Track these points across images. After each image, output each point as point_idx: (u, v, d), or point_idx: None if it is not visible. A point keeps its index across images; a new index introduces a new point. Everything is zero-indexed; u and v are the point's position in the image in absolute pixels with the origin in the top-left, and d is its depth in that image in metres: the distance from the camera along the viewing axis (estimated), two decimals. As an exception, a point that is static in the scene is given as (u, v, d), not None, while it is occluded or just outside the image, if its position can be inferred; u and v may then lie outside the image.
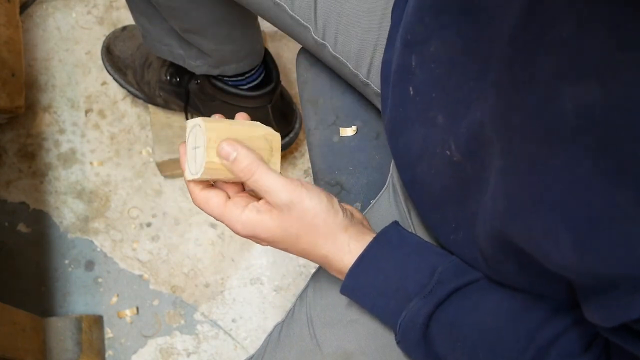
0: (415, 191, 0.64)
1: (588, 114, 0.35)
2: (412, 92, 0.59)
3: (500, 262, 0.52)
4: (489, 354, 0.54)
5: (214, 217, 0.60)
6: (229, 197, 0.60)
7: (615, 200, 0.35)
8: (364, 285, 0.60)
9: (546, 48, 0.38)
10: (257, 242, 0.60)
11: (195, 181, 0.59)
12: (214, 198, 0.58)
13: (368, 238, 0.61)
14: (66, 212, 1.31)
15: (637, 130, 0.33)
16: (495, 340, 0.54)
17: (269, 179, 0.56)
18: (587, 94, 0.35)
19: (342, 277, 0.61)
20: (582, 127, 0.36)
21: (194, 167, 0.58)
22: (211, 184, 0.61)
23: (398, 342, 0.61)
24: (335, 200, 0.60)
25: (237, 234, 0.59)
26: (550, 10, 0.37)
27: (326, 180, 0.81)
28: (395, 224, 0.63)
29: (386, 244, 0.60)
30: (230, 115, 0.63)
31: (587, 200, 0.37)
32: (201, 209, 0.61)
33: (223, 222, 0.59)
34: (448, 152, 0.53)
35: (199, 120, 0.57)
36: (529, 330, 0.52)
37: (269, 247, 1.08)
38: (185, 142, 0.60)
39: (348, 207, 0.63)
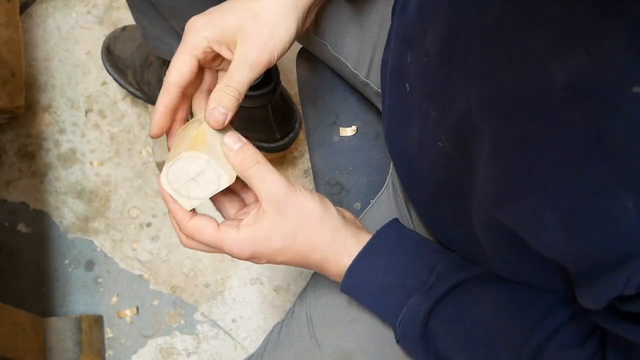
0: (413, 189, 0.64)
1: (575, 84, 0.36)
2: (408, 89, 0.59)
3: (498, 251, 0.52)
4: (489, 349, 0.54)
5: (208, 247, 0.59)
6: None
7: (596, 176, 0.36)
8: (363, 282, 0.60)
9: (533, 25, 0.38)
10: (256, 262, 0.59)
11: (186, 211, 0.58)
12: (205, 227, 0.58)
13: (365, 236, 0.61)
14: (66, 212, 1.31)
15: (615, 101, 0.34)
16: (495, 336, 0.54)
17: (268, 171, 0.57)
18: (575, 63, 0.35)
19: (340, 280, 0.61)
20: (570, 98, 0.36)
21: (199, 190, 0.57)
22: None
23: (398, 341, 0.61)
24: (328, 201, 0.60)
25: (236, 256, 0.58)
26: None
27: (326, 180, 0.81)
28: (395, 221, 0.63)
29: (386, 241, 0.60)
30: None
31: (571, 177, 0.37)
32: (190, 245, 0.59)
33: (220, 249, 0.58)
34: (440, 144, 0.53)
35: (198, 153, 0.57)
36: (528, 325, 0.52)
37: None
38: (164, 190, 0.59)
39: (339, 209, 0.63)
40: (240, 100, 0.60)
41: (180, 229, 0.59)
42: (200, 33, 0.60)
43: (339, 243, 0.59)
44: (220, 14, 0.60)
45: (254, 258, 0.58)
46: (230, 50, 0.60)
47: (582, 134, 0.36)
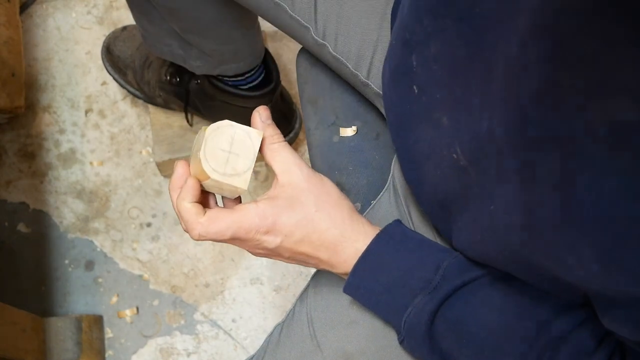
0: (421, 191, 0.64)
1: (620, 132, 0.35)
2: (416, 91, 0.58)
3: (508, 267, 0.51)
4: (494, 351, 0.54)
5: (224, 233, 0.57)
6: None
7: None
8: (368, 282, 0.60)
9: (565, 63, 0.37)
10: (271, 242, 0.58)
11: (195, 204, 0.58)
12: (219, 214, 0.56)
13: (376, 227, 0.61)
14: (66, 212, 1.31)
15: None
16: (502, 338, 0.54)
17: (291, 151, 0.60)
18: (619, 110, 0.34)
19: (347, 268, 0.60)
20: (614, 142, 0.35)
21: (241, 160, 0.57)
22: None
23: (401, 342, 0.61)
24: None
25: (255, 232, 0.56)
26: (567, 26, 0.36)
27: (326, 180, 0.81)
28: (398, 222, 0.63)
29: (389, 240, 0.60)
30: (230, 115, 0.63)
31: (612, 217, 0.36)
32: (202, 240, 0.58)
33: (239, 228, 0.56)
34: (454, 156, 0.52)
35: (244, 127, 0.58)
36: (535, 328, 0.52)
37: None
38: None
39: None
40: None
41: (192, 228, 0.57)
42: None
43: (357, 222, 0.60)
44: None
45: (271, 233, 0.57)
46: None
47: (626, 176, 0.35)
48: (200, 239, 0.57)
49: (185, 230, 0.59)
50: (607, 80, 0.35)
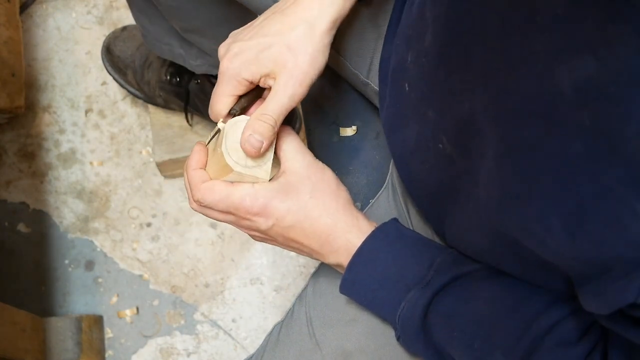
0: (412, 187, 0.64)
1: (584, 88, 0.35)
2: (407, 89, 0.59)
3: (497, 255, 0.52)
4: (484, 343, 0.54)
5: (217, 212, 0.59)
6: None
7: (605, 181, 0.36)
8: (363, 277, 0.60)
9: (539, 28, 0.38)
10: (262, 224, 0.59)
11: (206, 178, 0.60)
12: (217, 184, 0.58)
13: (373, 223, 0.61)
14: (66, 212, 1.31)
15: (628, 105, 0.34)
16: (491, 331, 0.55)
17: (298, 140, 0.61)
18: (583, 68, 0.35)
19: (338, 258, 0.61)
20: (578, 102, 0.36)
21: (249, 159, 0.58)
22: None
23: (398, 338, 0.61)
24: None
25: (244, 212, 0.58)
26: None
27: (326, 180, 0.81)
28: (394, 220, 0.63)
29: (384, 237, 0.61)
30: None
31: (578, 183, 0.37)
32: (199, 210, 0.60)
33: (231, 204, 0.58)
34: (440, 146, 0.53)
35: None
36: (525, 319, 0.52)
37: (268, 246, 1.08)
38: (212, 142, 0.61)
39: None
40: (277, 129, 0.60)
41: (193, 193, 0.59)
42: (238, 76, 0.60)
43: (351, 214, 0.60)
44: (253, 53, 0.60)
45: (262, 215, 0.58)
46: (270, 79, 0.61)
47: (591, 138, 0.36)
48: (199, 209, 0.60)
49: (191, 206, 0.61)
50: (572, 40, 0.36)
